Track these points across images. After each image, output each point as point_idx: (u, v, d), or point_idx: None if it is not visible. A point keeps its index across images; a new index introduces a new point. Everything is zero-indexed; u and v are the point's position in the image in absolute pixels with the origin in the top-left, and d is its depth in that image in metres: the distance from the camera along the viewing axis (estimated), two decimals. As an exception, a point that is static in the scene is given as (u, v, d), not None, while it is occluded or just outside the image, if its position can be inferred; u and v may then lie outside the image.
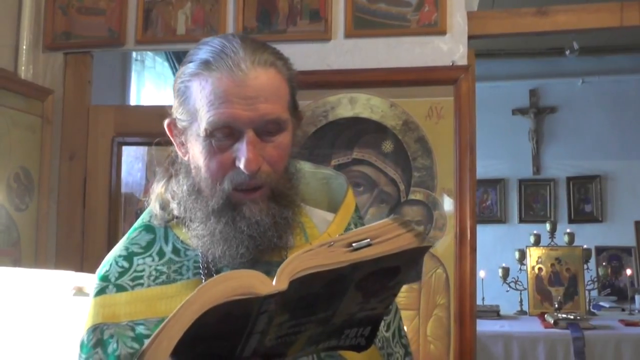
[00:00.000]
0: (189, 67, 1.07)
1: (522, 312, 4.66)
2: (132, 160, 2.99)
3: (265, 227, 1.06)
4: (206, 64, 1.04)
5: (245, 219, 1.06)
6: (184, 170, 1.14)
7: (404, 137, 2.72)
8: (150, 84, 4.39)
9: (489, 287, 4.60)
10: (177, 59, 4.39)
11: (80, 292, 1.66)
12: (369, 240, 0.87)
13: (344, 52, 2.81)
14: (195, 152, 1.08)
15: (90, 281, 1.69)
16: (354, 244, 0.86)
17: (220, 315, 0.78)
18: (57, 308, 1.63)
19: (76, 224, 2.97)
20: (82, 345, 1.09)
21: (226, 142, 1.04)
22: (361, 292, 0.91)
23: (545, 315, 4.30)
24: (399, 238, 0.88)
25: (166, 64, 4.45)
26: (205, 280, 1.07)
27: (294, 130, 1.11)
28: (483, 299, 4.56)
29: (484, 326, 3.99)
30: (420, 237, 0.90)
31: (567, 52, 5.25)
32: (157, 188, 1.18)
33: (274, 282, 0.81)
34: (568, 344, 3.86)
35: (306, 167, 1.22)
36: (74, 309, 1.63)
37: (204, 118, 1.03)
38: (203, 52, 1.07)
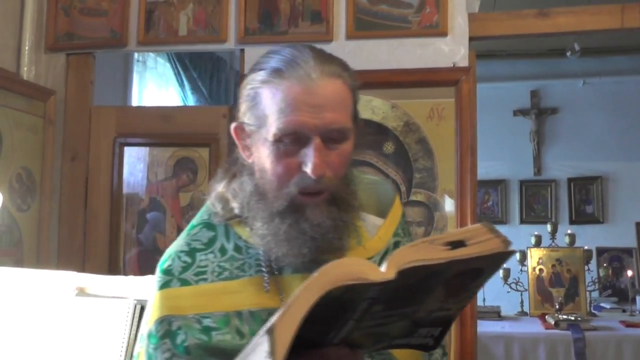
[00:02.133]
0: (260, 75, 1.12)
1: (522, 313, 4.67)
2: (134, 160, 2.99)
3: (327, 229, 1.11)
4: (278, 72, 1.10)
5: (308, 221, 1.11)
6: (247, 171, 1.19)
7: (405, 139, 2.73)
8: (152, 84, 4.40)
9: (489, 288, 4.59)
10: (178, 60, 4.40)
11: (82, 292, 1.66)
12: (464, 241, 0.93)
13: (345, 53, 2.78)
14: (261, 155, 1.13)
15: (90, 280, 1.70)
16: (451, 244, 0.93)
17: (332, 297, 0.84)
18: (59, 308, 1.64)
19: (78, 224, 2.98)
20: (150, 336, 1.13)
21: (293, 147, 1.09)
22: (445, 291, 0.97)
23: (546, 316, 4.31)
24: (489, 242, 0.95)
25: (168, 65, 4.46)
26: (267, 277, 1.15)
27: (355, 139, 1.15)
28: (484, 299, 4.56)
29: (485, 327, 3.99)
30: (507, 242, 0.96)
31: (568, 53, 5.25)
32: (219, 187, 1.23)
33: (382, 271, 0.87)
34: (569, 345, 3.87)
35: (355, 173, 1.26)
36: (76, 309, 1.63)
37: (274, 124, 1.09)
38: (274, 61, 1.12)
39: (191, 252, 1.18)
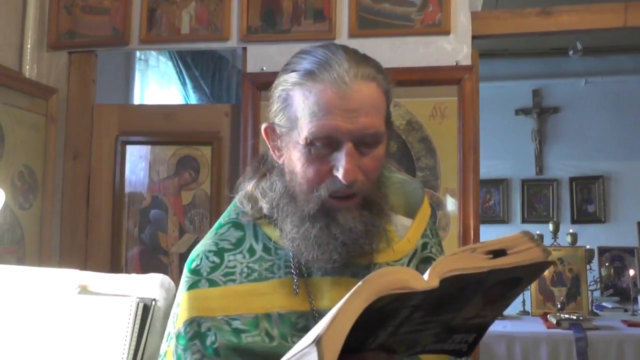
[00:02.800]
0: (292, 76, 1.10)
1: (524, 313, 4.66)
2: (136, 159, 2.99)
3: (358, 234, 1.10)
4: (310, 75, 1.08)
5: (339, 225, 1.10)
6: (278, 172, 1.18)
7: (408, 137, 2.73)
8: (154, 83, 4.39)
9: (491, 287, 4.60)
10: (180, 59, 4.39)
11: (84, 290, 1.66)
12: (505, 250, 0.93)
13: (347, 52, 2.80)
14: (292, 158, 1.12)
15: (93, 278, 1.70)
16: (492, 252, 0.92)
17: (377, 306, 0.84)
18: (62, 306, 1.63)
19: (80, 222, 2.98)
20: (178, 337, 1.13)
21: (324, 151, 1.08)
22: (483, 299, 0.97)
23: (548, 316, 4.30)
24: (530, 251, 0.94)
25: (170, 63, 4.45)
26: (296, 280, 1.14)
27: (387, 141, 1.14)
28: (486, 299, 4.56)
29: (486, 326, 3.98)
30: (547, 252, 0.95)
31: (571, 53, 5.24)
32: (248, 186, 1.22)
33: (425, 279, 0.87)
34: (571, 344, 3.86)
35: (384, 172, 1.24)
36: (78, 307, 1.63)
37: (306, 127, 1.07)
38: (307, 62, 1.10)
39: (219, 252, 1.17)
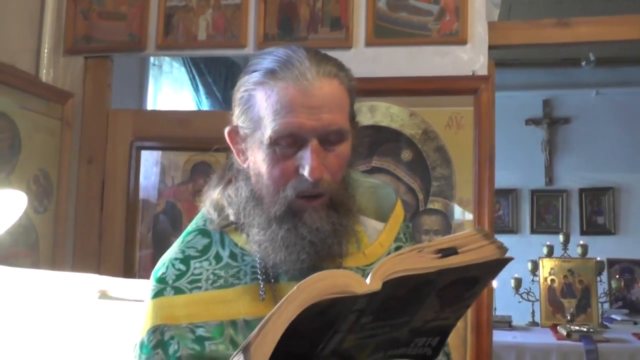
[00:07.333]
0: (254, 76, 1.09)
1: (533, 324, 4.66)
2: (151, 164, 3.00)
3: (326, 234, 1.08)
4: (272, 73, 1.06)
5: (307, 225, 1.08)
6: (243, 177, 1.16)
7: (423, 146, 2.72)
8: (168, 89, 4.41)
9: (500, 298, 4.60)
10: (194, 65, 4.41)
11: (104, 295, 1.66)
12: (455, 248, 0.89)
13: (364, 60, 2.81)
14: (257, 159, 1.10)
15: (112, 283, 1.70)
16: (441, 251, 0.89)
17: (315, 312, 0.81)
18: (81, 311, 1.64)
19: (94, 227, 2.98)
20: (142, 346, 1.10)
21: (289, 150, 1.06)
22: (439, 300, 0.93)
23: (558, 327, 4.29)
24: (483, 249, 0.90)
25: (183, 69, 4.47)
26: (263, 286, 1.12)
27: (352, 140, 1.13)
28: (495, 309, 4.54)
29: (496, 336, 3.95)
30: (502, 249, 0.91)
31: (583, 63, 5.24)
32: (214, 194, 1.20)
33: (367, 282, 0.83)
34: (581, 356, 3.86)
35: (355, 176, 1.23)
36: (98, 312, 1.63)
37: (269, 126, 1.05)
38: (268, 61, 1.08)
39: (185, 259, 1.15)
